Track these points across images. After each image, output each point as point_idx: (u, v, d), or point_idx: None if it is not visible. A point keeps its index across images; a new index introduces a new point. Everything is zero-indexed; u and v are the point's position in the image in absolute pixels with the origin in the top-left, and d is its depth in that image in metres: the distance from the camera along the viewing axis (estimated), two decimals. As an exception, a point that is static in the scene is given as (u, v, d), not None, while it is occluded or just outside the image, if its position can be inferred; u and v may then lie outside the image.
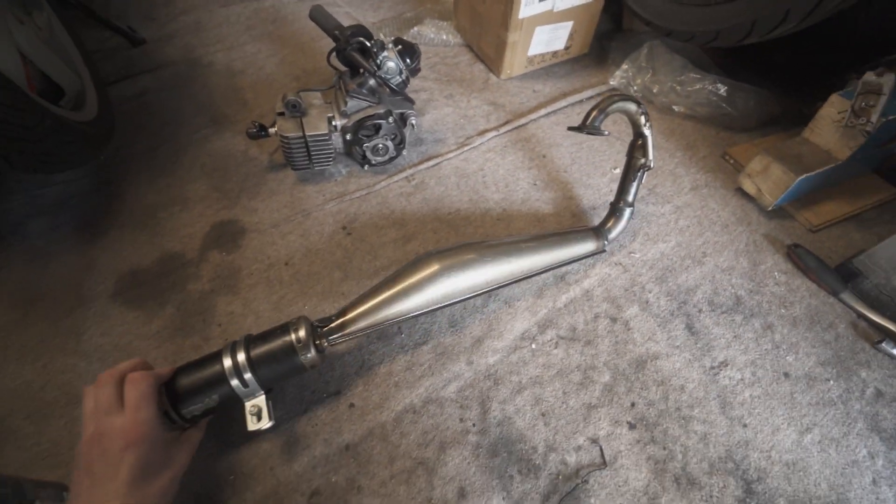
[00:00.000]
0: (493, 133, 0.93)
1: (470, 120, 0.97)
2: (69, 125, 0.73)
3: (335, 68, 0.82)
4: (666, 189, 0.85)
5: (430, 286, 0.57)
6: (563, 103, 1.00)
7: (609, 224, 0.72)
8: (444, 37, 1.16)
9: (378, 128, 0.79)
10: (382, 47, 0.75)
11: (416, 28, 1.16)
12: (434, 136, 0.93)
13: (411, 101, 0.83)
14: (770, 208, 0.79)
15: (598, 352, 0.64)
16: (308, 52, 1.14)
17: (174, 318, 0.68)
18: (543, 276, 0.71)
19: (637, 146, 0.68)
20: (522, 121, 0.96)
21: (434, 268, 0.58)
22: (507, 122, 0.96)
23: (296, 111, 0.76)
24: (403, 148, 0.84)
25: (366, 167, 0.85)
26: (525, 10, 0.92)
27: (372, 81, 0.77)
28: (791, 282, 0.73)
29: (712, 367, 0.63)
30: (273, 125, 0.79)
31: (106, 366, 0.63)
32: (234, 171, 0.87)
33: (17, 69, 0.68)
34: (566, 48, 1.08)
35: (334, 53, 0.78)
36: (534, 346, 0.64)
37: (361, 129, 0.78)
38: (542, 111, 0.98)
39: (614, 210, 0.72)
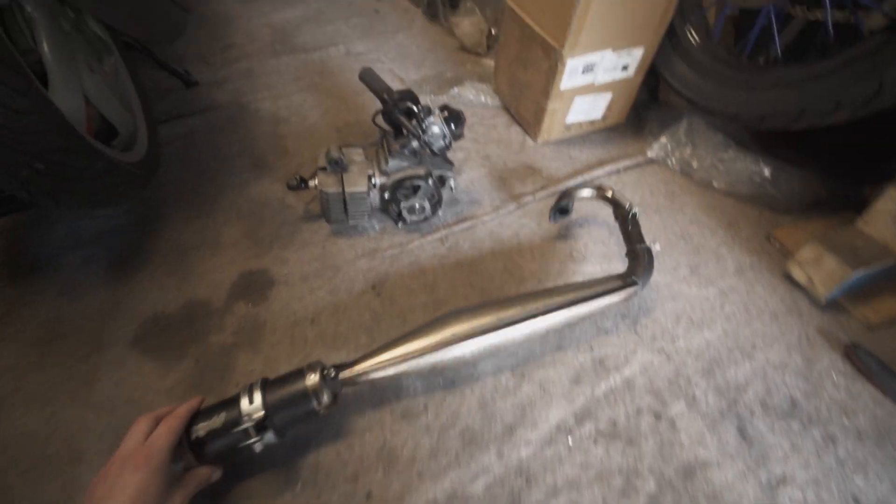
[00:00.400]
0: (529, 198, 0.92)
1: (506, 182, 0.96)
2: (118, 166, 0.75)
3: (379, 127, 0.83)
4: (709, 269, 0.81)
5: (453, 338, 0.56)
6: (599, 172, 0.99)
7: (632, 266, 0.70)
8: (483, 98, 1.19)
9: (417, 188, 0.78)
10: (429, 112, 0.76)
11: (456, 89, 1.20)
12: (469, 196, 0.92)
13: (451, 163, 0.83)
14: (824, 301, 0.74)
15: (641, 453, 0.58)
16: (350, 105, 1.18)
17: (192, 372, 0.65)
18: (580, 358, 0.67)
19: (616, 212, 0.79)
20: (559, 187, 0.95)
21: (459, 323, 0.57)
22: (543, 188, 0.95)
23: (337, 167, 0.76)
24: (439, 208, 0.83)
25: (400, 225, 0.84)
26: (567, 82, 0.94)
27: (415, 143, 0.77)
28: (852, 386, 0.67)
29: (769, 483, 0.57)
30: (313, 178, 0.79)
31: (115, 420, 0.60)
32: (269, 218, 0.87)
33: (80, 113, 0.70)
34: (603, 117, 1.09)
35: (380, 114, 0.79)
36: (570, 440, 0.59)
37: (400, 189, 0.78)
38: (579, 178, 0.97)
39: (631, 254, 0.72)
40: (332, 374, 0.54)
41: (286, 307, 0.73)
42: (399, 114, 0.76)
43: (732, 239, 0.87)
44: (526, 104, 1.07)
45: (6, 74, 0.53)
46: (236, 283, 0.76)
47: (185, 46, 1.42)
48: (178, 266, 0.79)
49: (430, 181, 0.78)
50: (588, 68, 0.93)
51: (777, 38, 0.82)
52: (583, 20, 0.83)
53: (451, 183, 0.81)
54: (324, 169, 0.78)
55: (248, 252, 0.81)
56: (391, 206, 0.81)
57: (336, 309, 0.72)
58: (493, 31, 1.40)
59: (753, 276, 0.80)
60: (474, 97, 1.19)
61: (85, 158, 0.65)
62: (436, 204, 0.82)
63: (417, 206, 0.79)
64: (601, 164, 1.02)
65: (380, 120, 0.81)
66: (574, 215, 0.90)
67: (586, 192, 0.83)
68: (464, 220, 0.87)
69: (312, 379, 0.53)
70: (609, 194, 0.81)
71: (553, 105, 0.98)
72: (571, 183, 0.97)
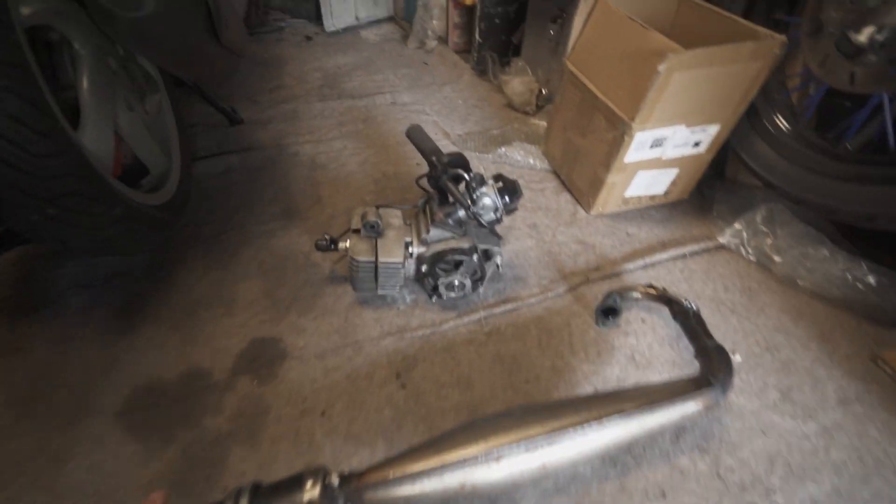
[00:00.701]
0: (582, 278, 0.81)
1: (555, 258, 0.86)
2: (139, 211, 0.69)
3: (424, 190, 0.75)
4: (805, 396, 0.66)
5: (488, 453, 0.45)
6: (663, 255, 0.88)
7: (706, 367, 0.58)
8: (531, 161, 1.12)
9: (459, 263, 0.69)
10: (482, 182, 0.68)
11: (503, 148, 1.13)
12: (514, 272, 0.82)
13: (498, 237, 0.73)
14: (966, 459, 0.58)
15: None
16: (392, 156, 1.13)
17: (176, 465, 0.55)
18: (649, 506, 0.53)
19: (674, 309, 0.70)
20: (617, 269, 0.84)
21: (496, 435, 0.46)
22: (598, 269, 0.84)
23: (373, 232, 0.68)
24: (481, 286, 0.73)
25: (434, 299, 0.74)
26: (632, 156, 0.85)
27: (462, 213, 0.69)
28: None
29: None
30: (344, 239, 0.71)
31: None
32: (291, 275, 0.79)
33: (108, 154, 0.66)
34: (666, 193, 0.99)
35: (426, 177, 0.72)
36: None
37: (440, 262, 0.69)
38: (640, 261, 0.86)
39: (701, 353, 0.61)
40: (337, 485, 0.44)
41: (296, 391, 0.62)
42: (448, 180, 0.68)
43: (829, 357, 0.72)
44: (580, 172, 0.98)
45: (30, 116, 0.48)
46: (245, 353, 0.67)
47: (235, 85, 1.44)
48: (186, 323, 0.71)
49: (475, 257, 0.69)
50: (657, 142, 0.85)
51: (893, 130, 0.71)
52: (659, 94, 0.75)
53: (498, 260, 0.71)
54: (357, 231, 0.70)
55: (263, 314, 0.72)
56: (427, 280, 0.71)
57: (352, 400, 0.62)
58: (543, 92, 1.36)
59: (863, 412, 0.65)
60: (522, 158, 1.12)
61: (103, 204, 0.59)
62: (477, 281, 0.72)
63: (457, 282, 0.70)
64: (663, 246, 0.91)
65: (425, 183, 0.74)
66: (634, 306, 0.78)
67: (636, 294, 0.73)
68: (506, 300, 0.76)
69: (311, 492, 0.42)
70: (660, 293, 0.71)
71: (613, 178, 0.89)
72: (630, 266, 0.85)
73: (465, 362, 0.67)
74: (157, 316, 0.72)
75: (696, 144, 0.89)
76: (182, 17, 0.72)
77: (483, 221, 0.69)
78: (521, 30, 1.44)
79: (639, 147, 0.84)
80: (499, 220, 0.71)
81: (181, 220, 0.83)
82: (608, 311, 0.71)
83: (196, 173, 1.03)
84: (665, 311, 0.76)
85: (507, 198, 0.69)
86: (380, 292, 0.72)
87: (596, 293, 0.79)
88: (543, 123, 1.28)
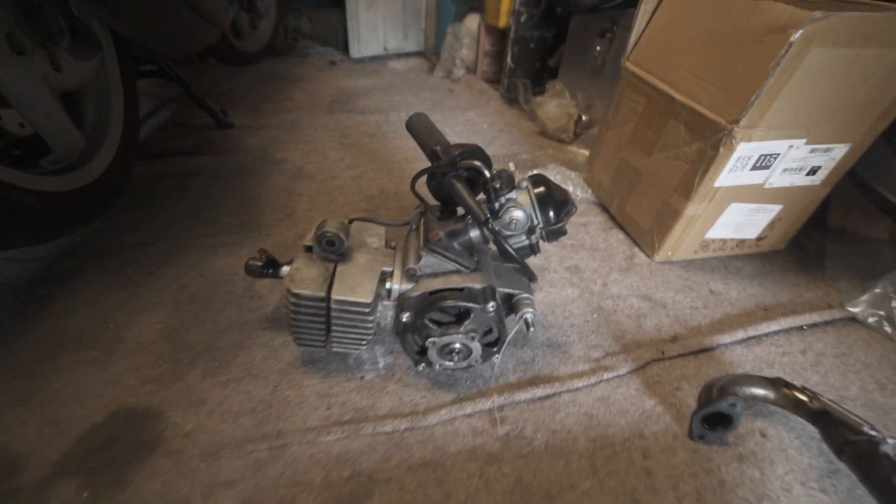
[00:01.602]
0: (654, 352, 0.52)
1: (608, 318, 0.58)
2: (26, 194, 0.47)
3: (419, 199, 0.51)
4: None
5: None
6: (772, 327, 0.58)
7: None
8: (571, 188, 0.87)
9: (464, 315, 0.42)
10: (511, 183, 0.43)
11: (534, 171, 0.90)
12: (548, 335, 0.54)
13: (532, 277, 0.47)
14: None
15: None
16: (394, 173, 0.90)
17: None
18: None
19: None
20: (705, 342, 0.55)
21: None
22: (676, 339, 0.55)
23: (330, 251, 0.43)
24: (497, 354, 0.45)
25: (421, 368, 0.46)
26: (727, 177, 0.59)
27: (474, 234, 0.43)
28: None
29: None
30: (289, 262, 0.46)
31: None
32: (215, 311, 0.54)
33: None
34: (758, 239, 0.72)
35: (426, 176, 0.48)
36: None
37: (432, 310, 0.42)
38: (738, 333, 0.57)
39: None
40: None
41: (147, 521, 0.34)
42: (456, 179, 0.43)
43: None
44: (640, 204, 0.73)
45: None
46: (93, 433, 0.40)
47: (243, 94, 1.30)
48: (34, 368, 0.45)
49: (491, 306, 0.41)
50: (764, 162, 0.59)
51: None
52: (782, 84, 0.50)
53: (529, 316, 0.43)
54: (309, 249, 0.44)
55: (151, 369, 0.46)
56: (411, 337, 0.44)
57: (241, 554, 0.33)
58: (583, 118, 1.15)
59: None
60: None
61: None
62: (492, 345, 0.45)
63: (458, 346, 0.42)
64: (766, 312, 0.62)
65: (424, 187, 0.50)
66: (749, 409, 0.48)
67: (762, 393, 0.43)
68: (537, 382, 0.48)
69: None
70: (813, 401, 0.42)
71: (694, 209, 0.63)
72: (725, 339, 0.56)
73: (461, 493, 0.37)
74: (14, 347, 0.47)
75: (813, 172, 0.63)
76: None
77: (511, 249, 0.43)
78: (560, 52, 1.27)
79: (738, 165, 0.58)
80: (534, 250, 0.45)
81: (95, 218, 0.60)
82: (714, 419, 0.42)
83: (149, 173, 0.83)
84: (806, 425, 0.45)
85: (551, 212, 0.43)
86: (334, 348, 0.45)
87: (677, 379, 0.50)
88: (584, 152, 1.06)
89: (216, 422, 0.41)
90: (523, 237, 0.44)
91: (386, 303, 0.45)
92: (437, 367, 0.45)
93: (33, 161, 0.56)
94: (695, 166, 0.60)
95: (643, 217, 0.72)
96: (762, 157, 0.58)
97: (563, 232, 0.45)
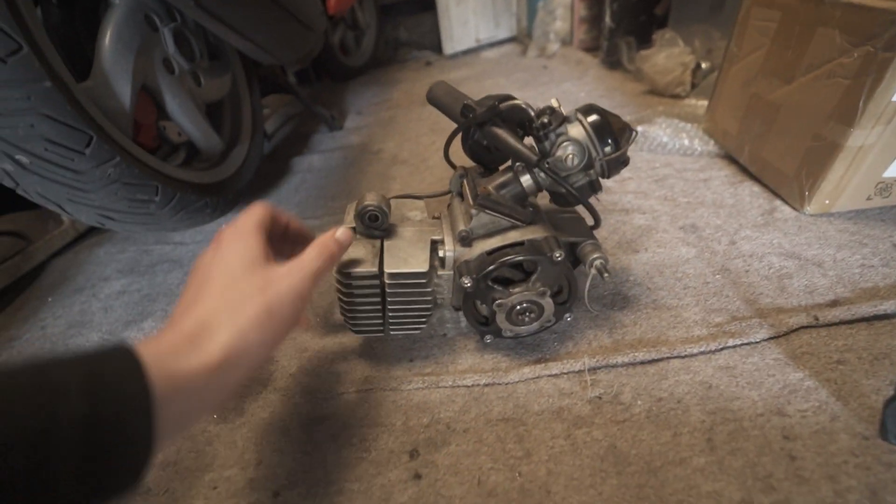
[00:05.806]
0: (805, 317, 0.41)
1: (736, 280, 0.48)
2: (192, 187, 0.60)
3: (452, 166, 0.49)
4: None
5: None
6: None
7: None
8: (687, 142, 0.75)
9: (530, 270, 0.39)
10: (562, 120, 0.38)
11: (640, 127, 0.80)
12: (654, 297, 0.47)
13: (598, 222, 0.41)
14: None
15: None
16: (483, 149, 0.90)
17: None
18: None
19: None
20: (882, 306, 0.41)
21: None
22: (836, 303, 0.43)
23: (375, 227, 0.43)
24: (570, 314, 0.41)
25: (488, 339, 0.44)
26: (914, 88, 0.44)
27: (526, 180, 0.40)
28: None
29: None
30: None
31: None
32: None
33: (122, 112, 0.56)
34: (981, 174, 0.51)
35: (461, 138, 0.45)
36: None
37: (494, 270, 0.39)
38: (946, 297, 0.41)
39: None
40: None
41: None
42: (494, 126, 0.40)
43: None
44: (781, 145, 0.58)
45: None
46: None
47: (351, 102, 1.45)
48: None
49: (558, 255, 0.37)
50: (982, 56, 0.42)
51: None
52: None
53: (599, 262, 0.38)
54: (353, 230, 0.44)
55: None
56: (474, 304, 0.42)
57: (313, 480, 0.36)
58: (702, 66, 0.98)
59: None
60: (670, 139, 0.76)
61: (95, 159, 0.49)
62: (564, 304, 0.40)
63: (527, 305, 0.39)
64: None
65: (459, 151, 0.47)
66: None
67: None
68: (636, 345, 0.42)
69: None
70: None
71: (862, 137, 0.48)
72: (922, 303, 0.41)
73: (543, 452, 0.35)
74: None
75: None
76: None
77: (570, 187, 0.38)
78: (669, -4, 1.11)
79: (933, 67, 0.43)
80: (595, 186, 0.39)
81: (234, 207, 0.74)
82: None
83: (275, 170, 0.98)
84: None
85: (608, 140, 0.37)
86: (392, 333, 0.45)
87: (838, 350, 0.38)
88: (703, 103, 0.90)
89: (314, 366, 0.46)
90: (581, 175, 0.39)
91: (441, 272, 0.43)
92: (507, 333, 0.42)
93: (188, 162, 0.71)
94: (860, 80, 0.46)
95: (786, 161, 0.58)
96: (978, 50, 0.42)
97: (625, 162, 0.38)
